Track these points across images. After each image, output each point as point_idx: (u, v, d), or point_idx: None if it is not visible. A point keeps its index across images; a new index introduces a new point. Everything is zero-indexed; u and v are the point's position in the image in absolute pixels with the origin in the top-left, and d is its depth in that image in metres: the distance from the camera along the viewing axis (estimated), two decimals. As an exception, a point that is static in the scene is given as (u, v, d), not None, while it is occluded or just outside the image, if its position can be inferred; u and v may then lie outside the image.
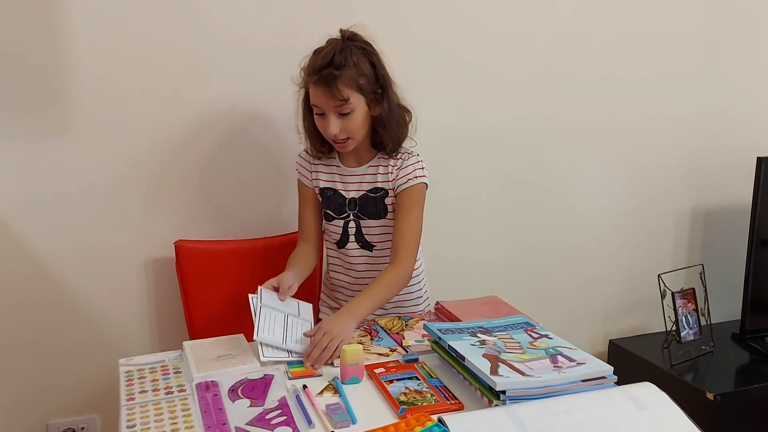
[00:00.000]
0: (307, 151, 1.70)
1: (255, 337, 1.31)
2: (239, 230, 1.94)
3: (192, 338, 1.77)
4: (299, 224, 1.73)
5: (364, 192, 1.63)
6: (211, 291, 1.85)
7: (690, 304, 2.24)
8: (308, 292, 1.72)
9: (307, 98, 1.58)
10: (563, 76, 2.20)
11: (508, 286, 2.23)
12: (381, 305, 1.53)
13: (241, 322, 1.82)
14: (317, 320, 1.57)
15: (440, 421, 0.99)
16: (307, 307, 1.50)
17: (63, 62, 1.72)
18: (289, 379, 1.23)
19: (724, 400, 1.98)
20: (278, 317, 1.39)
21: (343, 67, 1.47)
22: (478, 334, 1.29)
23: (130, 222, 1.86)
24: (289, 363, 1.29)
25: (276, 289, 1.48)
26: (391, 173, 1.61)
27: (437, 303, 1.59)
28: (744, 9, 2.37)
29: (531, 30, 2.13)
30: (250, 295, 1.41)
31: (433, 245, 1.99)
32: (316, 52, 1.52)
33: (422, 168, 1.62)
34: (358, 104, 1.51)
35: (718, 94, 2.41)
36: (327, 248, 1.74)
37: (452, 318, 1.49)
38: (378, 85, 1.54)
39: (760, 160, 2.20)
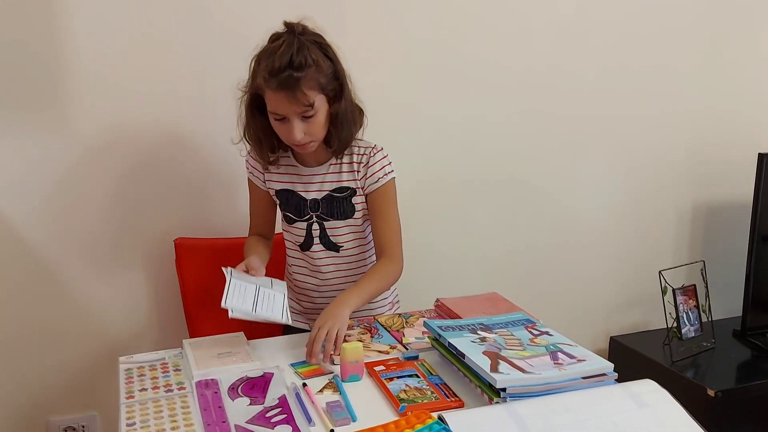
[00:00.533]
0: (253, 153, 1.58)
1: (223, 304, 1.28)
2: (239, 227, 1.93)
3: (192, 336, 1.77)
4: (251, 220, 1.67)
5: (328, 192, 1.55)
6: (210, 288, 1.84)
7: (691, 301, 2.23)
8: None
9: (252, 103, 1.46)
10: (563, 71, 2.19)
11: (508, 283, 2.23)
12: (371, 299, 1.50)
13: (240, 321, 1.82)
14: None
15: (440, 418, 0.98)
16: (280, 282, 1.48)
17: (62, 59, 1.72)
18: (302, 380, 1.22)
19: (725, 396, 1.98)
20: (249, 288, 1.39)
21: (304, 67, 1.35)
22: (478, 331, 1.28)
23: (130, 219, 1.85)
24: (297, 363, 1.29)
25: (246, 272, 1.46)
26: (359, 172, 1.53)
27: (437, 300, 1.58)
28: (745, 3, 2.36)
29: (531, 24, 2.12)
30: (223, 268, 1.40)
31: (432, 242, 2.00)
32: (269, 53, 1.37)
33: (390, 163, 1.55)
34: (321, 105, 1.41)
35: (719, 89, 2.40)
36: (289, 250, 1.66)
37: (452, 315, 1.49)
38: (337, 82, 1.43)
39: (761, 156, 2.20)
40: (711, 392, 1.98)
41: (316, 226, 1.57)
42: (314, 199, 1.55)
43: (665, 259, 2.45)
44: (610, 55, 2.24)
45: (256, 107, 1.46)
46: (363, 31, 1.77)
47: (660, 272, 2.16)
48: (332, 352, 1.30)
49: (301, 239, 1.59)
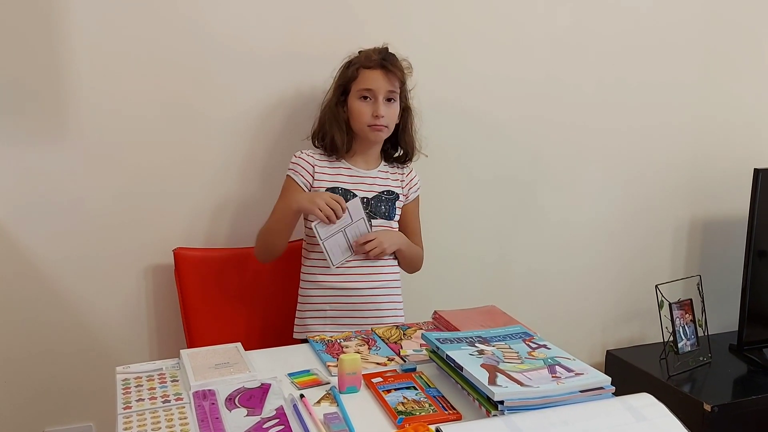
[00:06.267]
0: (306, 152, 1.72)
1: (332, 266, 1.63)
2: (239, 238, 1.93)
3: (189, 346, 1.77)
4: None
5: (377, 193, 1.72)
6: (209, 299, 1.85)
7: (687, 315, 2.24)
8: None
9: (339, 93, 1.70)
10: (562, 83, 2.21)
11: (505, 295, 2.23)
12: (409, 254, 1.75)
13: (239, 331, 1.82)
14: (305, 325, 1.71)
15: (438, 431, 0.98)
16: (355, 205, 1.63)
17: (63, 68, 1.73)
18: (300, 391, 1.23)
19: (721, 411, 1.98)
20: (339, 238, 1.62)
21: (397, 63, 1.68)
22: (476, 344, 1.29)
23: (130, 229, 1.85)
24: (294, 374, 1.29)
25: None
26: (403, 181, 1.77)
27: (435, 312, 1.59)
28: (742, 18, 2.38)
29: (530, 35, 2.14)
30: (313, 225, 1.61)
31: (429, 251, 1.99)
32: (366, 51, 1.70)
33: (419, 179, 1.82)
34: (397, 101, 1.70)
35: (715, 103, 2.42)
36: (318, 251, 1.68)
37: (450, 327, 1.49)
38: (407, 95, 1.74)
39: (757, 171, 2.21)
40: (707, 407, 1.98)
41: None
42: (365, 198, 1.70)
43: (662, 273, 2.46)
44: (607, 68, 2.25)
45: (339, 102, 1.71)
46: (366, 42, 1.78)
47: (656, 286, 2.16)
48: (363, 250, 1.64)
49: None
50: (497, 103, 2.15)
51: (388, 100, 1.67)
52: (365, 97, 1.66)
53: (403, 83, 1.70)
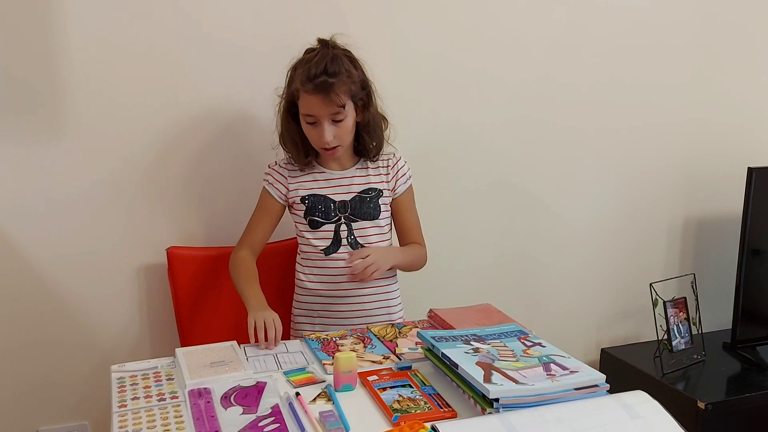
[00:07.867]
0: (279, 164, 1.68)
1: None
2: (232, 237, 1.93)
3: (184, 345, 1.77)
4: (248, 231, 1.70)
5: (356, 194, 1.65)
6: (203, 298, 1.84)
7: (681, 313, 2.25)
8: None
9: (289, 109, 1.61)
10: (557, 83, 2.21)
11: (500, 294, 2.23)
12: (408, 265, 1.69)
13: (233, 329, 1.81)
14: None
15: (433, 428, 0.99)
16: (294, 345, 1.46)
17: (55, 66, 1.72)
18: (294, 387, 1.23)
19: (715, 409, 1.98)
20: (270, 362, 1.36)
21: (338, 74, 1.51)
22: (471, 342, 1.29)
23: (123, 228, 1.85)
24: (290, 372, 1.29)
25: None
26: (387, 174, 1.68)
27: (430, 310, 1.59)
28: (738, 18, 2.39)
29: (525, 36, 2.14)
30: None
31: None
32: (305, 62, 1.54)
33: (409, 168, 1.73)
34: (350, 111, 1.56)
35: (709, 102, 2.42)
36: (307, 260, 1.68)
37: (446, 326, 1.49)
38: (364, 92, 1.59)
39: (750, 170, 2.22)
40: (701, 404, 1.99)
41: (344, 227, 1.64)
42: (343, 201, 1.64)
43: (656, 272, 2.46)
44: (602, 68, 2.25)
45: (290, 114, 1.61)
46: (361, 42, 1.78)
47: (651, 285, 2.17)
48: (362, 277, 1.53)
49: (327, 243, 1.64)
50: (492, 105, 2.14)
51: (336, 120, 1.54)
52: (311, 123, 1.55)
53: (351, 90, 1.54)
